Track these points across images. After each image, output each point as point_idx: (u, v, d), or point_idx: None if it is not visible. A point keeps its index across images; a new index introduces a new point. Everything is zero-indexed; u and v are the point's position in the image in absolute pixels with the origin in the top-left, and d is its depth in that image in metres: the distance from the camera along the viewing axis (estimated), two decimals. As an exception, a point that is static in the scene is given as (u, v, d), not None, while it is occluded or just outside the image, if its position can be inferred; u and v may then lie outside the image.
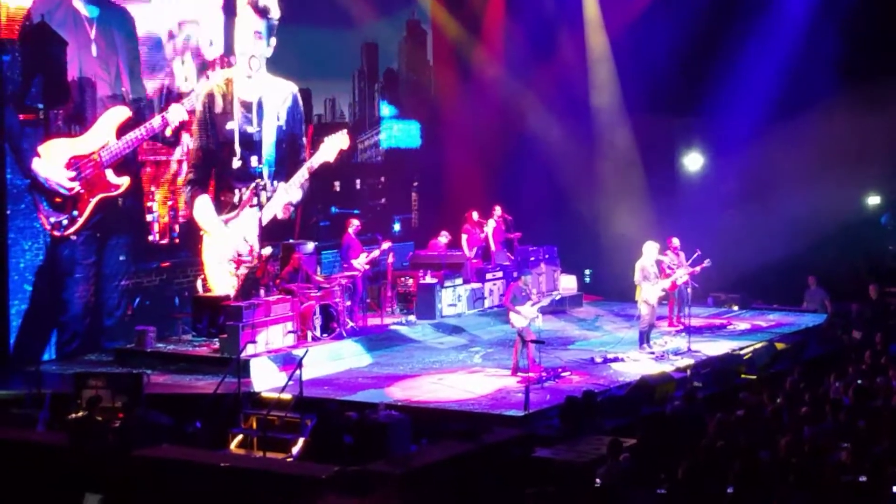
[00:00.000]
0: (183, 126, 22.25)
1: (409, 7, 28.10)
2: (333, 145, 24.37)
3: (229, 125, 22.98)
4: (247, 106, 23.32)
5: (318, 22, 25.02)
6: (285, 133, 24.19)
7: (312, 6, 24.93)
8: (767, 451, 12.43)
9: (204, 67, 22.71)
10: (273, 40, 23.56)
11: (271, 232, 23.12)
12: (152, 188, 21.93)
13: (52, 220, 20.14)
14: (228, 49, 23.04)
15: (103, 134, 20.80)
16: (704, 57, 25.89)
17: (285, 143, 24.21)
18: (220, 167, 22.96)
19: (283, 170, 24.01)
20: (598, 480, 12.42)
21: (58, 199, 20.22)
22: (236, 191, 23.08)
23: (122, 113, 21.10)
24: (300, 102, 24.59)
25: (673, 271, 21.65)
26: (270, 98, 23.82)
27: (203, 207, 22.55)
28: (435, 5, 28.22)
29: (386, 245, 22.65)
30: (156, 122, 21.70)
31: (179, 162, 22.29)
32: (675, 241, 22.38)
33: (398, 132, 27.88)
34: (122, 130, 21.06)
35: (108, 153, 20.81)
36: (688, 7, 25.41)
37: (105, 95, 21.02)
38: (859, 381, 15.95)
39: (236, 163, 23.01)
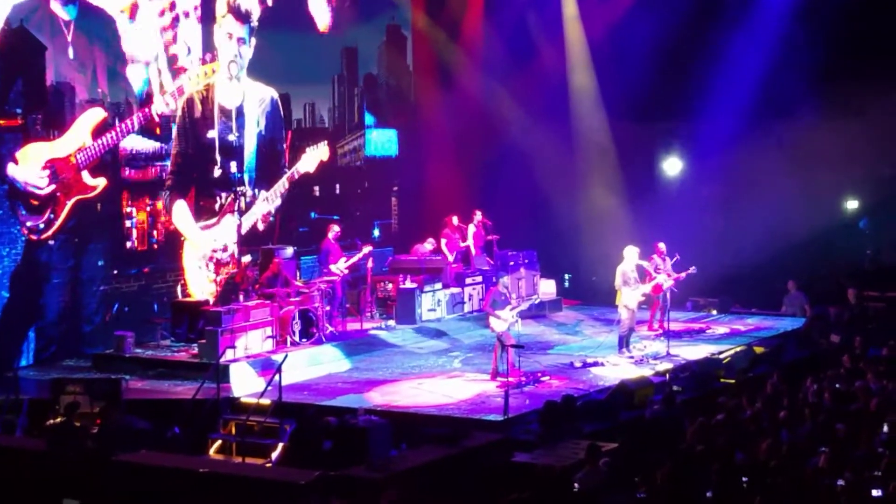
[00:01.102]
0: (170, 118, 22.19)
1: (390, 12, 28.09)
2: (314, 157, 24.43)
3: (210, 133, 22.94)
4: (227, 113, 23.29)
5: (297, 26, 25.00)
6: (265, 139, 24.17)
7: (292, 10, 24.92)
8: (744, 454, 12.45)
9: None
10: (253, 41, 23.55)
11: (251, 237, 23.11)
12: (131, 193, 21.90)
13: (29, 224, 20.05)
14: (207, 50, 22.95)
15: (79, 136, 20.73)
16: (684, 62, 25.96)
17: (265, 149, 24.19)
18: (201, 174, 22.91)
19: (264, 176, 24.00)
20: (576, 485, 12.42)
21: (34, 203, 20.13)
22: (217, 197, 23.07)
23: (97, 114, 21.02)
24: (280, 107, 24.59)
25: (657, 274, 21.68)
26: (251, 104, 23.80)
27: (181, 213, 22.50)
28: (415, 10, 28.24)
29: (366, 249, 22.61)
30: (133, 121, 21.60)
31: (159, 167, 22.23)
32: (662, 246, 22.38)
33: (378, 140, 27.85)
34: (98, 132, 20.98)
35: (84, 155, 20.73)
36: (667, 12, 25.47)
37: (82, 100, 20.96)
38: (837, 385, 16.00)
39: (217, 171, 22.98)
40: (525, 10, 27.64)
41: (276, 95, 24.41)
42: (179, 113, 22.46)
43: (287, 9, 24.75)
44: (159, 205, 22.25)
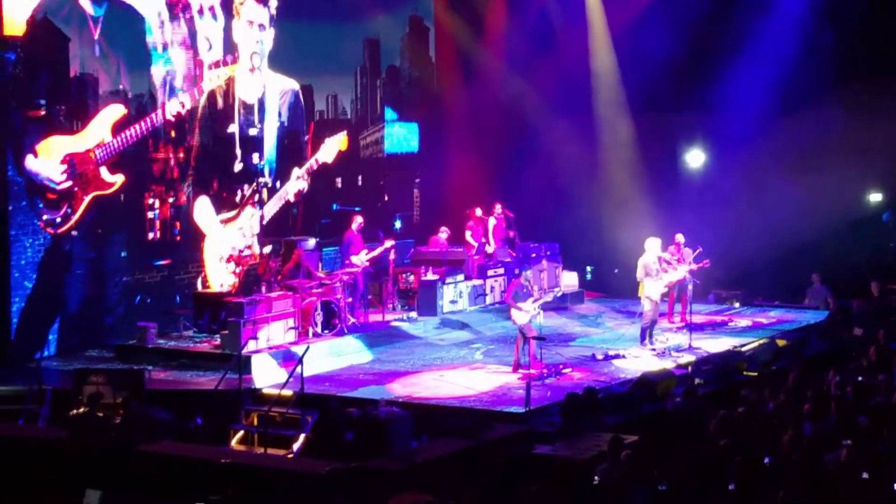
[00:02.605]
0: (183, 119, 22.21)
1: (412, 3, 28.07)
2: (332, 147, 24.45)
3: (231, 128, 22.96)
4: (248, 107, 23.33)
5: (319, 17, 24.99)
6: (286, 131, 24.20)
7: (314, 1, 24.93)
8: (766, 447, 12.41)
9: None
10: (272, 31, 23.54)
11: (272, 228, 23.18)
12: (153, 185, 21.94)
13: (46, 217, 20.11)
14: (227, 51, 22.95)
15: (99, 131, 20.77)
16: (706, 53, 25.90)
17: (287, 140, 24.22)
18: (222, 168, 22.94)
19: (286, 167, 24.04)
20: (596, 478, 12.39)
21: (51, 196, 20.18)
22: (238, 190, 23.13)
23: (117, 111, 21.07)
24: (301, 100, 24.59)
25: (673, 266, 21.58)
26: (272, 96, 23.82)
27: (202, 209, 22.54)
28: (437, 1, 28.20)
29: (389, 243, 22.63)
30: (153, 119, 21.65)
31: (180, 159, 22.27)
32: (679, 238, 22.33)
33: (398, 135, 27.81)
34: (119, 128, 21.02)
35: (103, 151, 20.77)
36: (688, 3, 25.40)
37: (105, 92, 21.02)
38: (860, 378, 15.93)
39: (238, 165, 23.03)
40: (548, 1, 27.56)
41: (297, 88, 24.41)
42: (201, 107, 22.47)
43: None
44: (183, 199, 22.29)
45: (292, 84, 24.31)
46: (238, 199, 23.11)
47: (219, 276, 22.54)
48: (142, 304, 21.59)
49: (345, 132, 25.05)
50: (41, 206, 20.06)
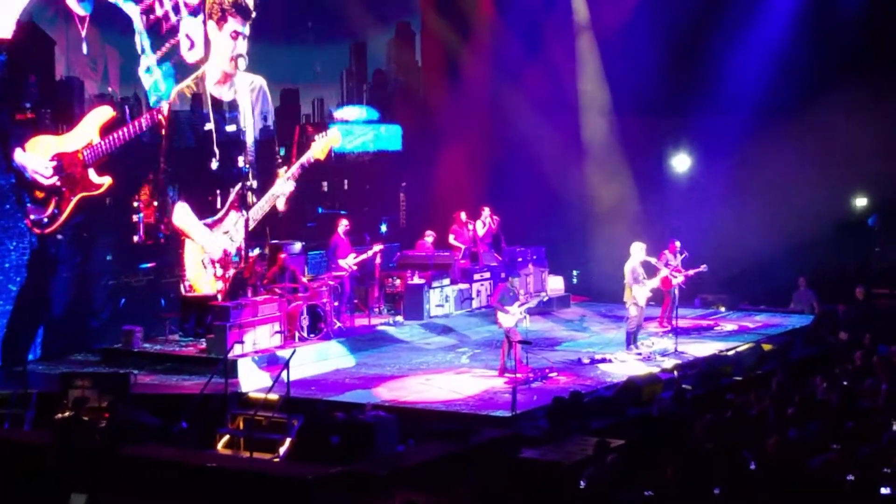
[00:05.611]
0: (170, 124, 22.18)
1: (399, 7, 28.03)
2: (325, 144, 24.38)
3: (206, 126, 22.89)
4: (225, 105, 23.25)
5: (306, 21, 24.94)
6: (263, 128, 24.15)
7: (302, 5, 24.89)
8: (752, 451, 12.43)
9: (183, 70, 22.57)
10: (247, 29, 23.50)
11: (258, 233, 23.13)
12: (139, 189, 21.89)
13: (34, 217, 20.08)
14: (208, 49, 22.89)
15: (87, 133, 20.74)
16: (691, 58, 25.91)
17: (264, 137, 24.18)
18: (199, 168, 22.83)
19: (266, 166, 23.98)
20: (582, 482, 12.38)
21: (39, 195, 20.13)
22: (218, 192, 23.02)
23: (106, 113, 21.03)
24: (268, 94, 24.39)
25: (678, 270, 21.69)
26: (244, 94, 23.70)
27: (183, 213, 22.42)
28: (424, 6, 28.19)
29: (377, 248, 22.65)
30: (141, 122, 21.60)
31: (164, 162, 22.21)
32: (677, 244, 22.37)
33: (385, 134, 27.79)
34: (106, 130, 20.97)
35: (91, 153, 20.73)
36: (674, 8, 25.43)
37: (92, 95, 20.98)
38: (845, 383, 15.96)
39: (214, 163, 22.95)
40: (535, 5, 27.57)
41: (264, 83, 24.23)
42: (169, 101, 22.30)
43: (297, 3, 24.73)
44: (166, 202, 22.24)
45: (261, 80, 24.14)
46: (219, 203, 23.00)
47: (203, 281, 22.46)
48: (127, 307, 21.51)
49: (335, 127, 24.95)
50: (28, 204, 20.02)
